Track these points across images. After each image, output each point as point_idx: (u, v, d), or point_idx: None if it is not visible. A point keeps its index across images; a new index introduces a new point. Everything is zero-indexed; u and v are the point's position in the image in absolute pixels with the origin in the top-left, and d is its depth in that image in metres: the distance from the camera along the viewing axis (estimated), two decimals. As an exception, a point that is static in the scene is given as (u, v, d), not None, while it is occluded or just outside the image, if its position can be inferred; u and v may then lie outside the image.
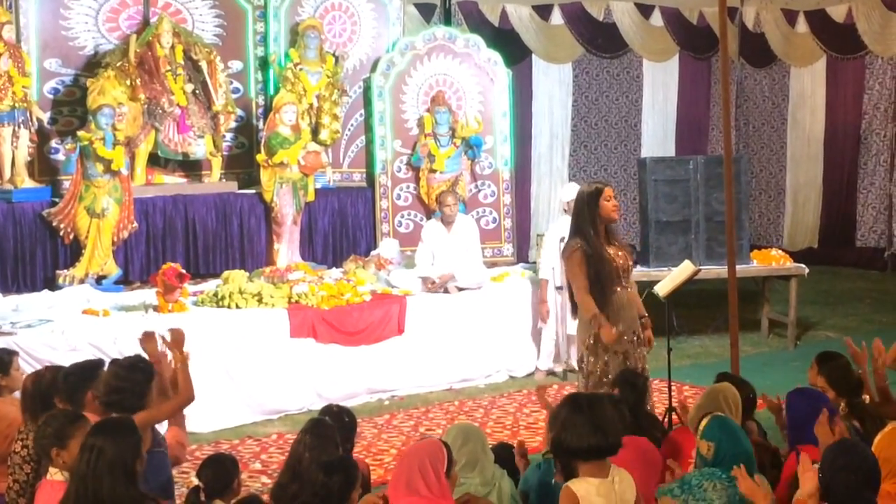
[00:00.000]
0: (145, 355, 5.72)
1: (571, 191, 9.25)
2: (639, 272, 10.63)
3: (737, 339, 7.57)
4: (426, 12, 12.91)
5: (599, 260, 6.74)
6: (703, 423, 4.72)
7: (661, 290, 7.85)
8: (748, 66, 15.89)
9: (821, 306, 12.35)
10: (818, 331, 11.45)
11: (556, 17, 14.08)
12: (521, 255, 11.96)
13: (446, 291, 9.91)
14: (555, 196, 13.58)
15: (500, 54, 11.92)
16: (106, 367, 5.55)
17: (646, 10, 14.54)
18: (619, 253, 6.90)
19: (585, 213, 6.85)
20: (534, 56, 14.07)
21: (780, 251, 11.50)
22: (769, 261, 11.04)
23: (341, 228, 11.45)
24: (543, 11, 13.97)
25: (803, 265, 11.17)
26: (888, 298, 12.94)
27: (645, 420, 6.02)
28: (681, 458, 5.08)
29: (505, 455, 5.47)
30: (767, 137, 15.86)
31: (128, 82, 10.25)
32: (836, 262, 14.65)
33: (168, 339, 5.69)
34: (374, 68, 11.61)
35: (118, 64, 10.31)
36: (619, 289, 6.82)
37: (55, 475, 4.63)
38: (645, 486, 4.43)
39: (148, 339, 5.78)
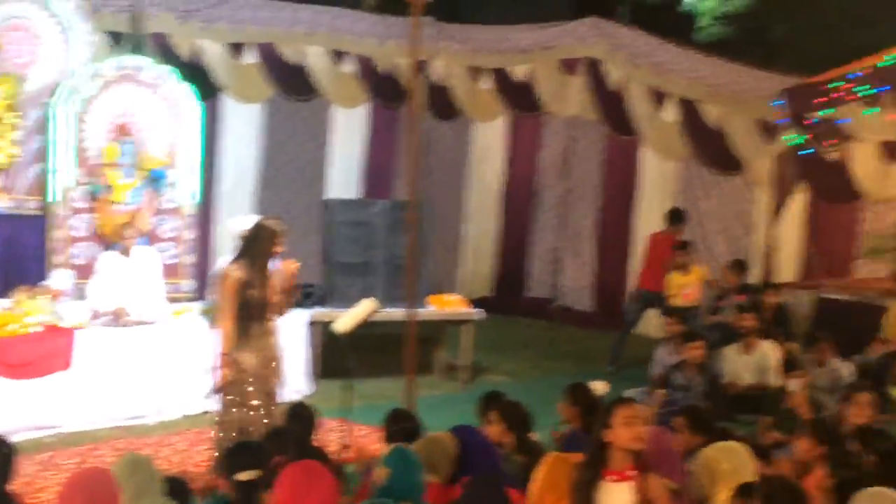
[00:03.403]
0: None
1: (245, 223, 9.48)
2: (319, 312, 10.78)
3: (414, 379, 7.77)
4: (116, 39, 12.57)
5: (252, 291, 7.15)
6: (386, 449, 4.87)
7: (341, 326, 7.99)
8: (434, 119, 16.39)
9: (493, 352, 12.83)
10: (489, 374, 11.92)
11: (249, 56, 14.05)
12: (203, 292, 11.78)
13: (124, 325, 9.64)
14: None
15: (192, 88, 11.78)
16: None
17: (338, 57, 14.75)
18: (269, 289, 7.28)
19: (261, 245, 7.24)
20: (224, 93, 13.97)
21: (456, 297, 11.93)
22: (446, 305, 11.41)
23: (12, 257, 10.93)
24: (236, 49, 13.91)
25: (481, 310, 11.64)
26: (553, 346, 13.70)
27: (311, 452, 6.08)
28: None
29: (177, 488, 5.38)
30: (449, 188, 16.35)
31: None
32: (508, 312, 15.28)
33: None
34: (57, 93, 11.19)
35: None
36: (262, 321, 7.26)
37: None
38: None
39: None
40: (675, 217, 12.74)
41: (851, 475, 5.62)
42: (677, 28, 17.28)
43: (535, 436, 6.58)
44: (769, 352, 10.29)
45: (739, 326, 10.50)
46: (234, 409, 7.13)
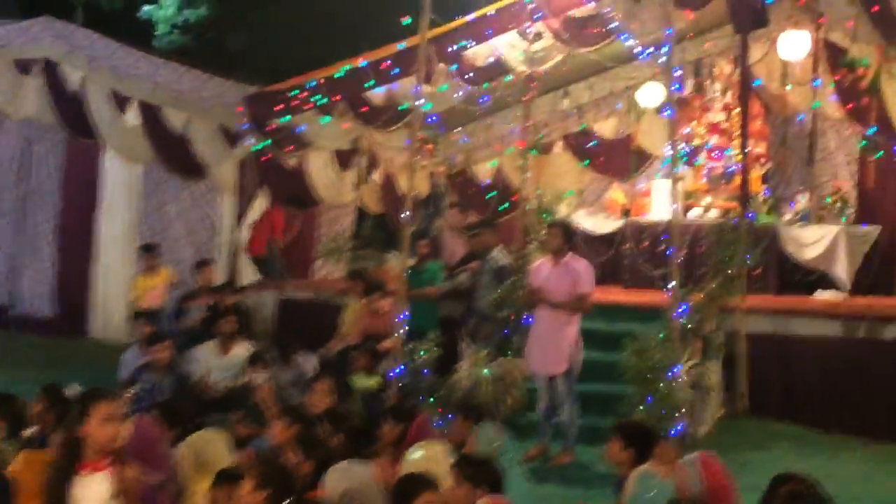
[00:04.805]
0: None
1: None
2: None
3: None
4: None
5: None
6: None
7: None
8: None
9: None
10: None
11: None
12: None
13: None
14: None
15: None
16: None
17: None
18: None
19: None
20: None
21: None
22: None
23: None
24: None
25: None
26: (12, 355, 12.99)
27: None
28: None
29: None
30: None
31: None
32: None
33: None
34: None
35: None
36: None
37: None
38: None
39: None
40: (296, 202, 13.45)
41: (322, 453, 5.99)
42: (136, 34, 17.25)
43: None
44: (242, 352, 10.55)
45: (220, 328, 10.65)
46: None
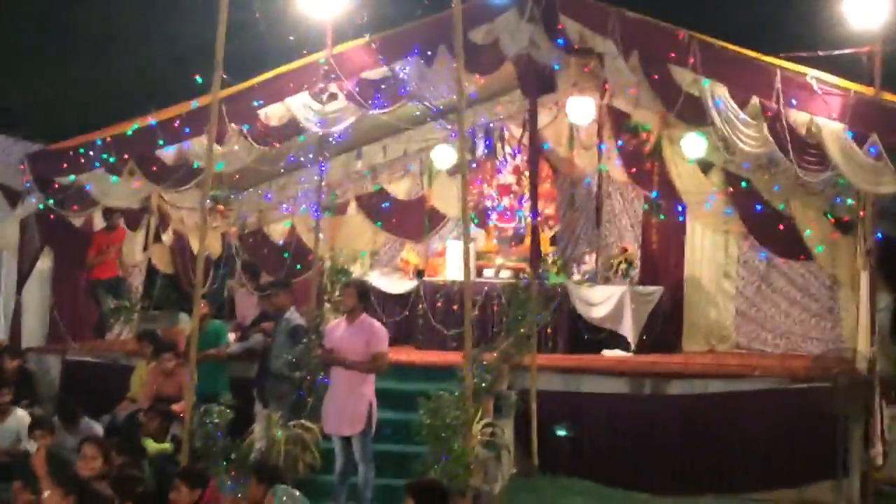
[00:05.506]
0: None
1: None
2: None
3: None
4: None
5: None
6: None
7: None
8: None
9: None
10: None
11: None
12: None
13: None
14: None
15: None
16: None
17: None
18: None
19: None
20: None
21: None
22: None
23: None
24: None
25: None
26: None
27: None
28: None
29: None
30: None
31: None
32: None
33: None
34: None
35: None
36: None
37: None
38: None
39: None
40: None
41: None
42: None
43: None
44: (22, 418, 10.12)
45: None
46: None
